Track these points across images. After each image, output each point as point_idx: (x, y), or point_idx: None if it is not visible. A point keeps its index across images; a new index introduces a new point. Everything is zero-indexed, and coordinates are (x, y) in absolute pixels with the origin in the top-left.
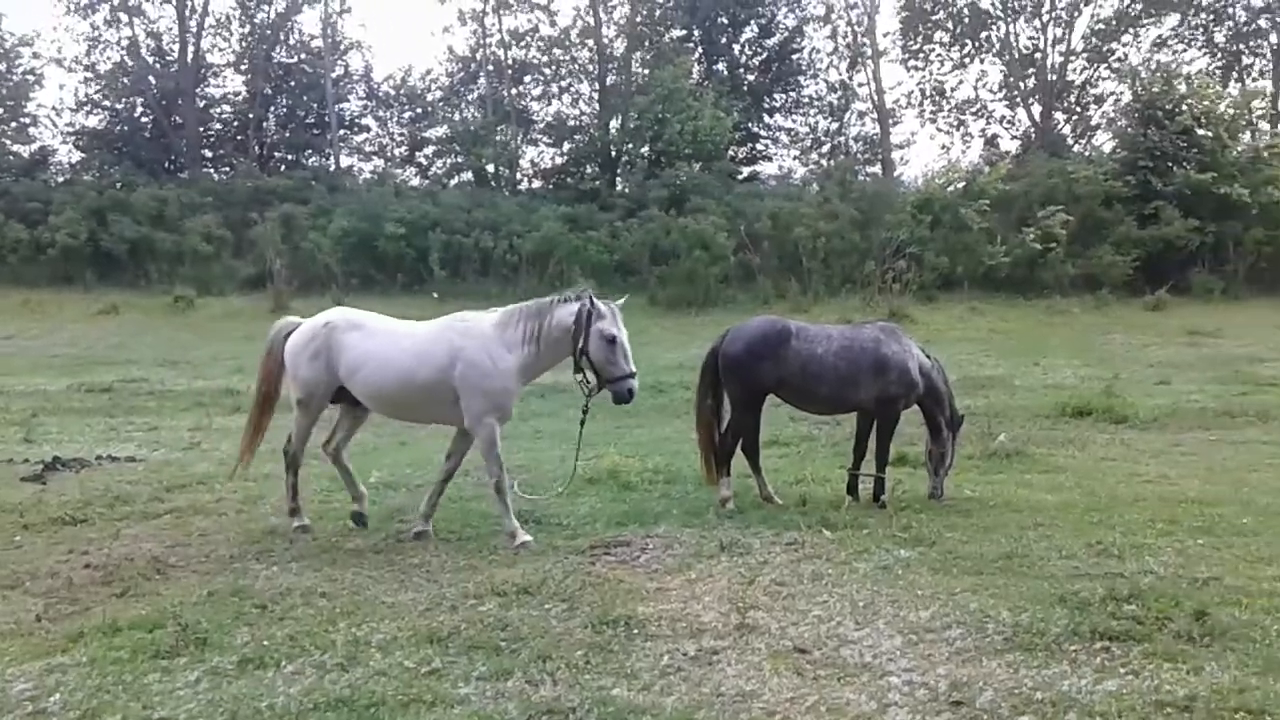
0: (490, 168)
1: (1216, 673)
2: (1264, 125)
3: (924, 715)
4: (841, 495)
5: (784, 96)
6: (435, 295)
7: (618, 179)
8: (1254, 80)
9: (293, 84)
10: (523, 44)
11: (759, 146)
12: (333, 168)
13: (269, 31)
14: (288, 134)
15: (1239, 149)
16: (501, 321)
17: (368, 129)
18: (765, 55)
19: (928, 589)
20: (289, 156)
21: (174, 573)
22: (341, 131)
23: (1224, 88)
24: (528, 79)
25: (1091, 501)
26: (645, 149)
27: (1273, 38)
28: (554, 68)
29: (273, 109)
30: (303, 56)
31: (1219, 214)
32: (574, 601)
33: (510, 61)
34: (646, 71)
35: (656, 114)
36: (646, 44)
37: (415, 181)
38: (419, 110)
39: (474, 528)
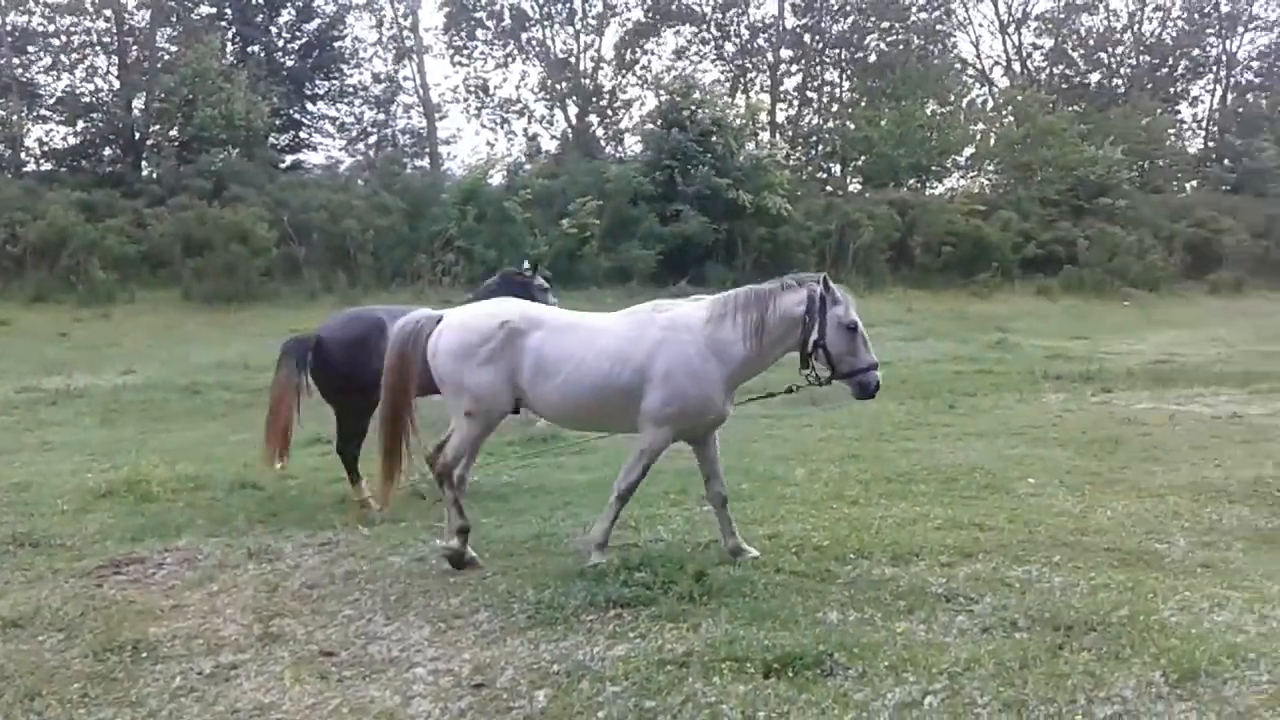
0: None
1: (711, 628)
2: (764, 135)
3: (446, 702)
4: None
5: (327, 84)
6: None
7: (144, 163)
8: (757, 93)
9: None
10: (24, 9)
11: (302, 134)
12: None
13: None
14: None
15: (743, 156)
16: (713, 316)
17: None
18: (305, 40)
19: (460, 576)
20: None
21: None
22: None
23: (733, 98)
24: (32, 48)
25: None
26: (175, 132)
27: (769, 55)
28: (64, 38)
29: None
30: None
31: (729, 214)
32: (73, 630)
33: (10, 28)
34: (175, 49)
35: (185, 95)
36: (174, 19)
37: None
38: None
39: None
